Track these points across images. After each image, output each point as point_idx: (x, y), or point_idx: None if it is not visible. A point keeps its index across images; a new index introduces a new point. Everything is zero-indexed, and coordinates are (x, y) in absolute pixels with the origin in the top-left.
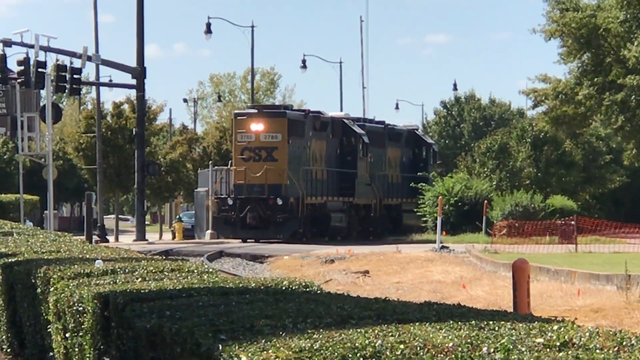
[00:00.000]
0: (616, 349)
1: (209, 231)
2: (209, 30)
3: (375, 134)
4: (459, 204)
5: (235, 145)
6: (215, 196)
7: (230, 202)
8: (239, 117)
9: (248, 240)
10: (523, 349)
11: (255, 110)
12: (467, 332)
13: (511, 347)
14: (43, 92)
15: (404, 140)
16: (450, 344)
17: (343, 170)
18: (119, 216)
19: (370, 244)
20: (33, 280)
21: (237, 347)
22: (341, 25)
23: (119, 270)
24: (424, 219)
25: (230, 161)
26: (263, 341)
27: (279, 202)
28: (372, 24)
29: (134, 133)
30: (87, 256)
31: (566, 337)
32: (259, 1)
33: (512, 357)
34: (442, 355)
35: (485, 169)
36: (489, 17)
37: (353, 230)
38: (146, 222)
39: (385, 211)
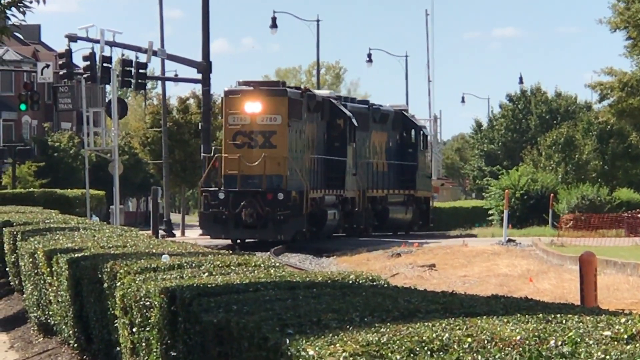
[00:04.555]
0: None
1: None
2: (274, 25)
3: (359, 116)
4: (525, 197)
5: (226, 129)
6: (203, 189)
7: (221, 196)
8: (230, 96)
9: (237, 241)
10: (591, 342)
11: (251, 88)
12: (535, 325)
13: (579, 340)
14: (108, 87)
15: (390, 123)
16: (518, 337)
17: (334, 158)
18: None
19: (366, 244)
20: (100, 275)
21: (304, 341)
22: (407, 19)
23: (185, 264)
24: (490, 212)
25: (213, 147)
26: (330, 335)
27: (280, 196)
28: (439, 17)
29: (199, 128)
30: (154, 251)
31: (634, 329)
32: None
33: (580, 350)
34: (509, 349)
35: (551, 162)
36: (556, 10)
37: (340, 228)
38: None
39: (369, 204)
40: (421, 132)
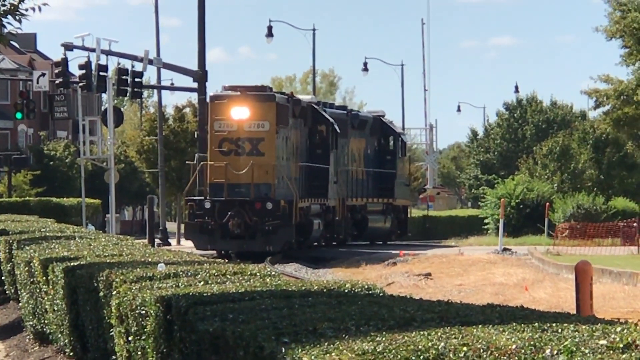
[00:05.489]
0: None
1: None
2: (270, 34)
3: (338, 122)
4: (521, 206)
5: (212, 136)
6: (188, 198)
7: (207, 205)
8: (216, 101)
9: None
10: (586, 351)
11: (238, 93)
12: (530, 334)
13: (574, 349)
14: (104, 96)
15: (368, 129)
16: (514, 346)
17: (318, 165)
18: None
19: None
20: (95, 284)
21: (300, 350)
22: (403, 28)
23: (181, 273)
24: (486, 221)
25: (197, 154)
26: (326, 344)
27: (269, 206)
28: (435, 27)
29: (195, 136)
30: (150, 260)
31: (629, 339)
32: (321, 4)
33: (576, 359)
34: (505, 358)
35: (547, 171)
36: (553, 19)
37: (322, 238)
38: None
39: (348, 213)
40: (400, 139)
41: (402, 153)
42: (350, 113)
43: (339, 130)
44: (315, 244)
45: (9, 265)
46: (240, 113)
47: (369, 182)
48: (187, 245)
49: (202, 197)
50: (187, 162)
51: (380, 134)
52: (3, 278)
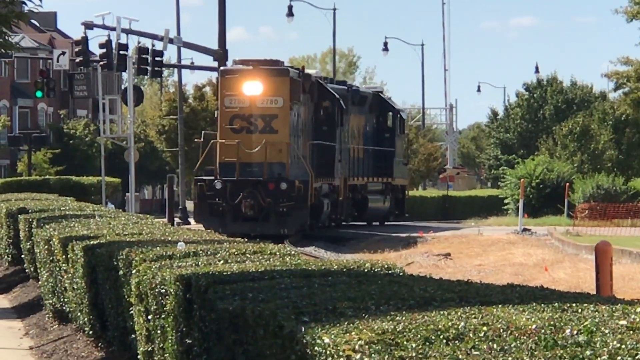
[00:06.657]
0: None
1: None
2: (290, 13)
3: (340, 98)
4: (541, 186)
5: (222, 112)
6: (197, 178)
7: (218, 185)
8: (227, 75)
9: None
10: (606, 331)
11: (250, 67)
12: (550, 314)
13: (594, 329)
14: (125, 75)
15: (368, 106)
16: (534, 326)
17: (326, 143)
18: None
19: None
20: (115, 263)
21: (319, 329)
22: (423, 7)
23: (201, 252)
24: (506, 201)
25: (204, 131)
26: (346, 323)
27: (283, 186)
28: (456, 6)
29: (215, 115)
30: (169, 238)
31: None
32: None
33: (596, 339)
34: (525, 337)
35: (567, 152)
36: (574, 0)
37: (327, 219)
38: None
39: (350, 193)
40: (398, 116)
41: (401, 130)
42: (350, 89)
43: (344, 107)
44: (320, 225)
45: (28, 243)
46: (252, 88)
47: (368, 160)
48: None
49: (213, 177)
50: (195, 139)
51: (379, 110)
52: (23, 256)
